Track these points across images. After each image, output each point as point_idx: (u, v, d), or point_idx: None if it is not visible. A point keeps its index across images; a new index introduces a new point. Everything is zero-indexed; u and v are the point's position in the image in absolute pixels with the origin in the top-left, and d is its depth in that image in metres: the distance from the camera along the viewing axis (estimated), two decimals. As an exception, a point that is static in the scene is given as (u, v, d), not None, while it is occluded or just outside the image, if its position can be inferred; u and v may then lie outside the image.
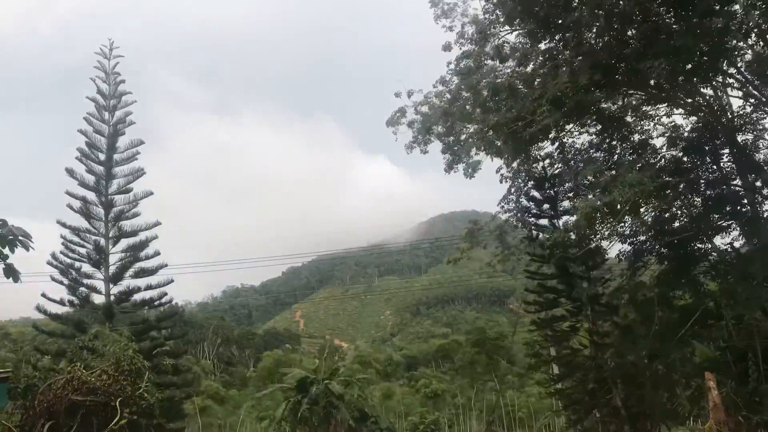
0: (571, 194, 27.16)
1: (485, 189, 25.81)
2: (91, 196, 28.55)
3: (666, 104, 22.53)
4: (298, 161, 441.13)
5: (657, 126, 23.84)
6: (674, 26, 17.31)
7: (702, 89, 21.56)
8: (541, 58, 20.17)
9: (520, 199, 28.15)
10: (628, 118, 22.91)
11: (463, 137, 23.66)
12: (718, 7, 16.85)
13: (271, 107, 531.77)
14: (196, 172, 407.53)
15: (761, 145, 22.43)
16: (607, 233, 23.79)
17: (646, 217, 23.43)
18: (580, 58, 18.33)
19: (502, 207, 26.78)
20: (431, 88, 24.07)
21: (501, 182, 26.45)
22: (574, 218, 24.10)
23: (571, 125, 21.99)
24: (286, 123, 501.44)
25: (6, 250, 7.95)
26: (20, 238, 7.99)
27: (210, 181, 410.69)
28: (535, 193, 29.36)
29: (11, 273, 8.10)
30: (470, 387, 66.08)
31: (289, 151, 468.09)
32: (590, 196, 20.66)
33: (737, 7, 17.06)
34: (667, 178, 21.27)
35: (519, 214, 27.96)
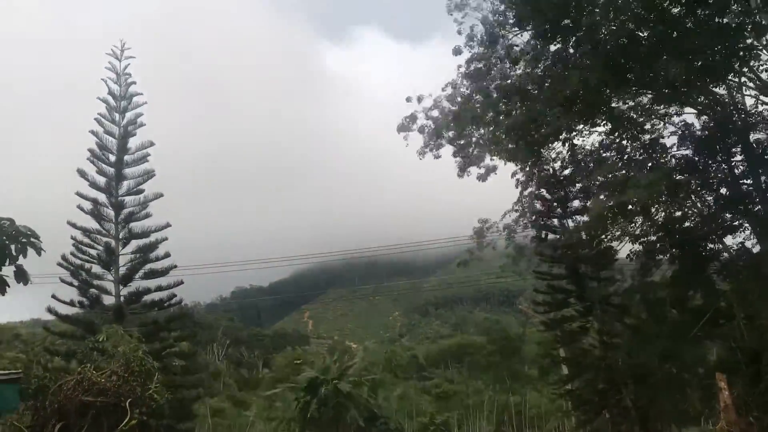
0: (581, 195, 27.12)
1: (492, 187, 25.88)
2: (101, 197, 28.63)
3: (677, 103, 22.44)
4: (300, 163, 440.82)
5: (668, 125, 23.79)
6: (688, 25, 17.23)
7: (714, 88, 21.46)
8: (551, 60, 20.11)
9: (532, 200, 28.14)
10: (639, 117, 22.84)
11: (474, 139, 23.66)
12: (732, 7, 16.77)
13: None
14: (203, 173, 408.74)
15: (774, 144, 22.30)
16: (618, 233, 23.74)
17: (657, 217, 23.35)
18: (592, 57, 18.25)
19: (514, 209, 26.78)
20: (441, 92, 24.10)
21: (516, 186, 26.53)
22: (585, 219, 24.10)
23: (582, 125, 21.94)
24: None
25: (15, 252, 7.94)
26: (32, 240, 7.98)
27: (218, 181, 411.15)
28: (546, 194, 29.28)
29: (21, 276, 8.09)
30: (481, 387, 65.96)
31: (296, 147, 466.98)
32: (602, 197, 20.62)
33: (751, 6, 16.98)
34: (679, 177, 21.20)
35: (530, 215, 27.94)
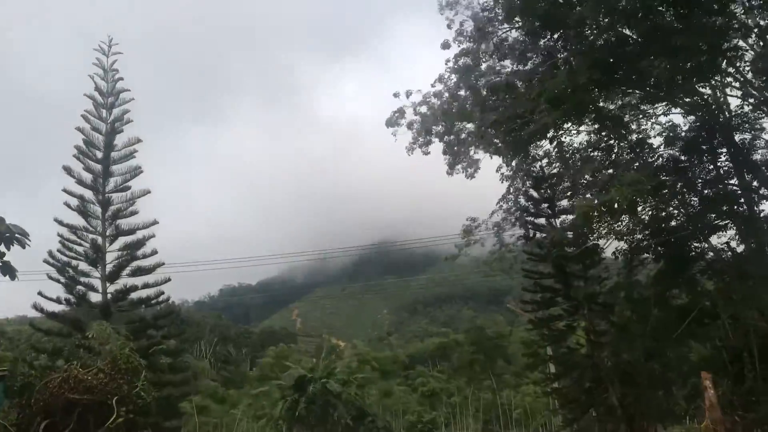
0: (569, 193, 27.23)
1: (481, 186, 25.97)
2: (88, 194, 28.44)
3: (664, 103, 22.56)
4: (294, 157, 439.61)
5: (655, 125, 23.92)
6: (674, 25, 17.33)
7: (700, 88, 21.59)
8: (540, 56, 20.17)
9: (519, 198, 28.21)
10: (626, 117, 22.96)
11: (462, 136, 23.69)
12: (717, 7, 16.87)
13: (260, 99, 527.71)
14: (193, 168, 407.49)
15: (759, 145, 22.48)
16: (604, 232, 23.85)
17: (643, 216, 23.47)
18: (580, 56, 18.34)
19: (501, 206, 26.82)
20: (430, 88, 24.07)
21: (501, 181, 26.52)
22: (571, 217, 24.22)
23: (569, 124, 22.02)
24: (278, 122, 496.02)
25: (2, 248, 7.94)
26: (17, 235, 7.97)
27: (207, 178, 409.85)
28: (533, 192, 29.39)
29: (8, 270, 8.08)
30: (467, 386, 66.12)
31: (286, 147, 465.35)
32: (588, 195, 20.72)
33: (736, 6, 17.10)
34: (665, 177, 21.32)
35: (517, 213, 28.00)
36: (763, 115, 21.54)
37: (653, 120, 23.68)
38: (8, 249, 7.98)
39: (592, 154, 23.68)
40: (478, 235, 26.43)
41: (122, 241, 28.57)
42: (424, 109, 23.94)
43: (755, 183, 22.14)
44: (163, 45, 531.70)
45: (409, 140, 24.55)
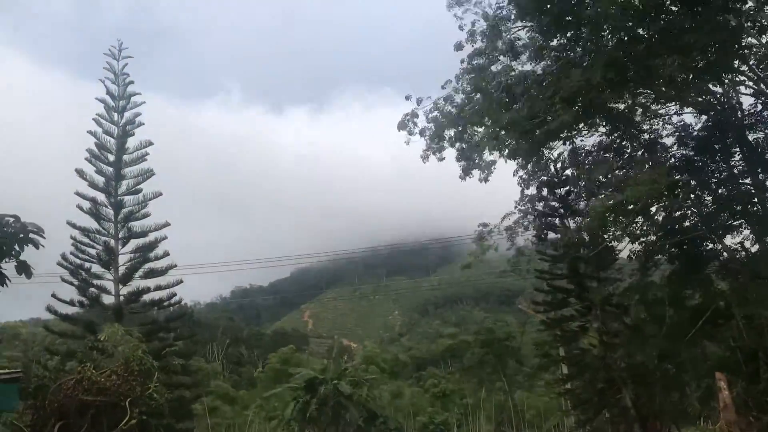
0: (582, 195, 27.10)
1: (493, 187, 25.89)
2: (100, 197, 28.66)
3: (676, 102, 22.42)
4: (305, 159, 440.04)
5: (667, 125, 23.78)
6: (686, 24, 17.21)
7: (713, 87, 21.44)
8: (553, 55, 20.04)
9: (533, 200, 28.12)
10: (638, 117, 22.82)
11: (475, 139, 23.57)
12: (730, 5, 16.75)
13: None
14: (203, 171, 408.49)
15: (773, 144, 22.30)
16: (618, 234, 23.72)
17: (657, 217, 23.34)
18: (592, 55, 18.23)
19: (517, 209, 26.74)
20: (441, 92, 23.95)
21: (520, 185, 26.46)
22: (586, 219, 24.09)
23: (581, 125, 21.89)
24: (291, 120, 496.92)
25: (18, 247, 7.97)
26: (30, 235, 8.00)
27: (218, 181, 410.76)
28: (547, 194, 29.31)
29: (24, 269, 8.11)
30: (479, 387, 65.98)
31: (295, 149, 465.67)
32: (602, 196, 20.60)
33: (750, 4, 16.97)
34: (678, 177, 21.19)
35: (531, 216, 27.89)
36: (776, 113, 21.39)
37: (665, 119, 23.55)
38: (22, 249, 8.02)
39: (604, 155, 23.57)
40: (491, 240, 26.32)
41: (134, 243, 28.80)
42: (436, 114, 23.85)
43: (768, 182, 21.98)
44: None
45: (422, 147, 24.43)
